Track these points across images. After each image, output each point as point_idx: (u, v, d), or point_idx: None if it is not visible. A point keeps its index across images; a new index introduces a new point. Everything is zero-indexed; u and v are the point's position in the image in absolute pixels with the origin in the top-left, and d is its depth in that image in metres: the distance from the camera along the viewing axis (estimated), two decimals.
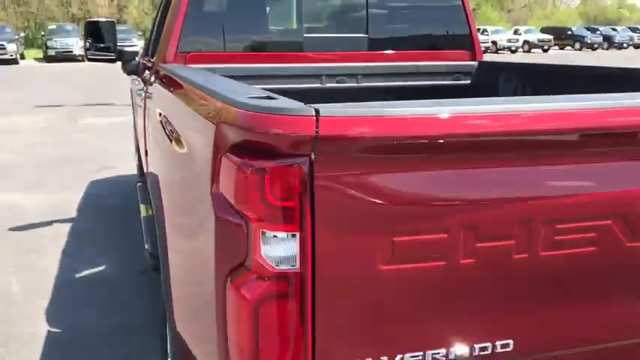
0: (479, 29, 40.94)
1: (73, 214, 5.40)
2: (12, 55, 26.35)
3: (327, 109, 1.08)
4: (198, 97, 1.54)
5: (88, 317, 3.46)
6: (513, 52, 38.38)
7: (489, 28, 40.41)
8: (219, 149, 1.20)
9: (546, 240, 1.22)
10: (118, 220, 5.11)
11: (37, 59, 30.37)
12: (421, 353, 1.21)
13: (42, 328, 3.36)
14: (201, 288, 1.34)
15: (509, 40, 38.72)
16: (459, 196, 1.19)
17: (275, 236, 1.13)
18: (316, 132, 1.06)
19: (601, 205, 1.25)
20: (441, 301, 1.22)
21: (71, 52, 28.04)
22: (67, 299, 3.72)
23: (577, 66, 3.02)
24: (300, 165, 1.10)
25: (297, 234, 1.12)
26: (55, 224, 5.11)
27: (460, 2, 3.39)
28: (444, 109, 1.17)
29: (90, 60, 3.83)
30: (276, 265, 1.14)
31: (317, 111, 1.07)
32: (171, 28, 3.00)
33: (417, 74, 3.32)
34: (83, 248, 4.55)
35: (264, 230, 1.13)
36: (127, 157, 6.92)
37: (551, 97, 1.36)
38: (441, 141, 1.15)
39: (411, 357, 1.20)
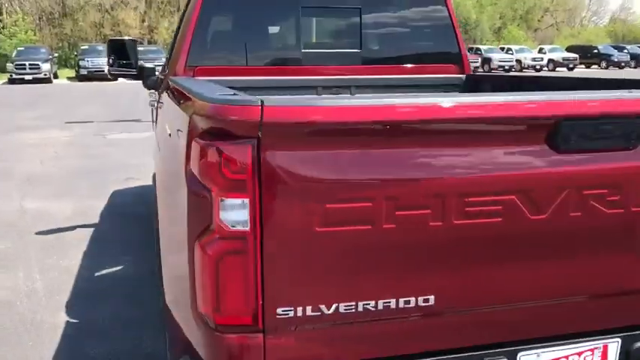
0: (503, 48, 40.95)
1: (97, 220, 5.74)
2: (46, 75, 27.28)
3: (270, 100, 1.34)
4: (181, 96, 1.82)
5: (103, 310, 3.76)
6: (538, 70, 38.27)
7: (514, 47, 40.34)
8: (192, 135, 1.47)
9: (458, 210, 1.45)
10: (138, 227, 5.42)
11: (70, 78, 31.31)
12: (353, 304, 1.45)
13: (61, 319, 3.66)
14: (180, 256, 1.59)
15: (533, 59, 38.61)
16: (380, 172, 1.43)
17: (231, 203, 1.38)
18: (261, 118, 1.32)
19: (505, 183, 1.48)
20: (369, 260, 1.45)
21: (102, 71, 28.83)
22: (85, 295, 4.02)
23: (564, 77, 3.23)
24: (249, 145, 1.35)
25: (248, 200, 1.37)
26: (79, 229, 5.45)
27: (449, 21, 3.64)
28: (360, 102, 1.44)
29: (112, 75, 4.17)
30: (232, 227, 1.39)
31: (262, 101, 1.33)
32: (182, 44, 3.32)
33: (408, 86, 3.56)
34: (104, 251, 4.86)
35: (222, 198, 1.38)
36: (149, 169, 7.27)
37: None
38: (360, 126, 1.41)
39: (345, 306, 1.44)
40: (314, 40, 3.63)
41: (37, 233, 5.31)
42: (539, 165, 1.50)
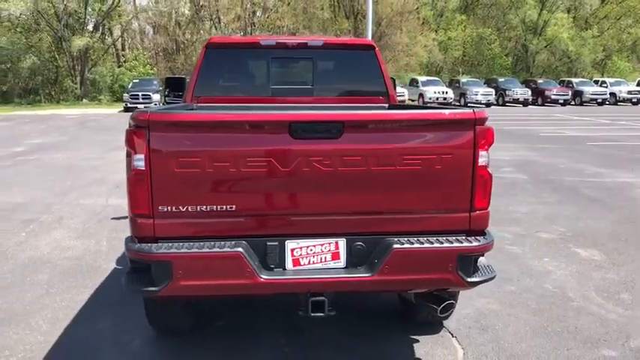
0: (597, 81, 40.25)
1: None
2: (156, 104, 30.76)
3: (153, 109, 2.96)
4: None
5: None
6: (635, 104, 37.43)
7: (609, 80, 39.56)
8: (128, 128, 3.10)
9: (244, 163, 2.93)
10: None
11: None
12: (194, 206, 2.96)
13: (111, 266, 5.45)
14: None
15: (629, 92, 37.80)
16: (206, 145, 2.94)
17: (137, 157, 2.95)
18: (149, 118, 2.92)
19: (268, 152, 2.94)
20: (201, 185, 2.95)
21: None
22: None
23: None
24: (144, 130, 2.94)
25: (143, 155, 2.96)
26: None
27: (378, 68, 5.09)
28: (193, 112, 3.03)
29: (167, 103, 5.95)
30: (138, 167, 2.97)
31: (150, 109, 2.94)
32: (191, 83, 5.05)
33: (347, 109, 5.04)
34: None
35: (135, 155, 2.96)
36: None
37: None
38: (193, 123, 2.98)
39: (191, 207, 2.95)
40: (280, 80, 5.20)
41: (112, 219, 7.22)
42: (285, 144, 2.98)
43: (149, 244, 2.99)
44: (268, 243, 3.07)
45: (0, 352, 3.78)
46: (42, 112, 29.04)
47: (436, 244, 3.06)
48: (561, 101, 36.09)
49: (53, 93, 38.15)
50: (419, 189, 3.10)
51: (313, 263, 3.11)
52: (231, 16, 43.98)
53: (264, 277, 2.99)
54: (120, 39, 46.28)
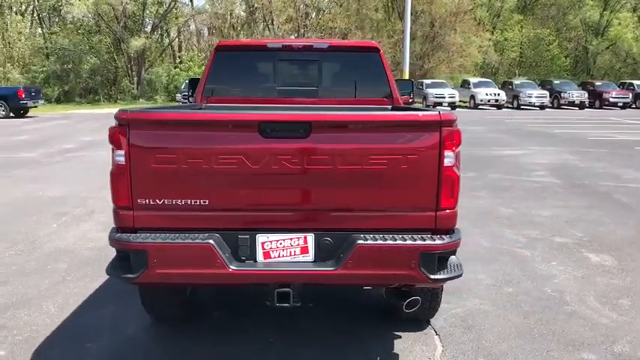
0: None
1: None
2: None
3: (134, 110, 3.17)
4: None
5: None
6: None
7: None
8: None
9: (216, 160, 3.10)
10: None
11: None
12: (170, 199, 3.14)
13: None
14: None
15: None
16: (180, 142, 3.15)
17: (118, 153, 3.17)
18: (129, 117, 3.13)
19: (239, 150, 3.10)
20: (177, 180, 3.13)
21: None
22: None
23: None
24: (125, 127, 3.15)
25: (124, 152, 3.17)
26: None
27: (383, 70, 5.19)
28: (168, 111, 3.23)
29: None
30: (119, 162, 3.18)
31: (128, 110, 3.16)
32: (200, 84, 5.28)
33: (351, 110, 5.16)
34: None
35: (117, 151, 3.18)
36: None
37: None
38: (167, 122, 3.18)
39: (167, 200, 3.15)
40: (286, 81, 5.36)
41: None
42: (254, 142, 3.13)
43: (128, 234, 3.21)
44: (239, 236, 3.24)
45: (8, 332, 4.09)
46: (99, 111, 30.25)
47: (399, 241, 3.16)
48: (620, 104, 34.93)
49: (112, 93, 39.67)
50: (385, 188, 3.20)
51: (283, 256, 3.26)
52: (284, 18, 44.51)
53: (233, 267, 3.16)
54: (176, 40, 47.60)
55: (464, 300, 4.69)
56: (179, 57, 45.45)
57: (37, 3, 41.65)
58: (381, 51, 5.27)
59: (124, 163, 3.18)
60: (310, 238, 3.25)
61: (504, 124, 22.74)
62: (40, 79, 38.14)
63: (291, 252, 3.27)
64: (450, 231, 3.30)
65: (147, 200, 3.21)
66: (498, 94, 34.48)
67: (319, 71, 5.31)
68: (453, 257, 3.42)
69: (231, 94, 5.29)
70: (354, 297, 4.73)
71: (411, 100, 7.15)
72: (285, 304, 3.25)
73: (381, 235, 3.19)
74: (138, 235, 3.20)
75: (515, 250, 6.02)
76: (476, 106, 34.29)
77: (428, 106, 34.16)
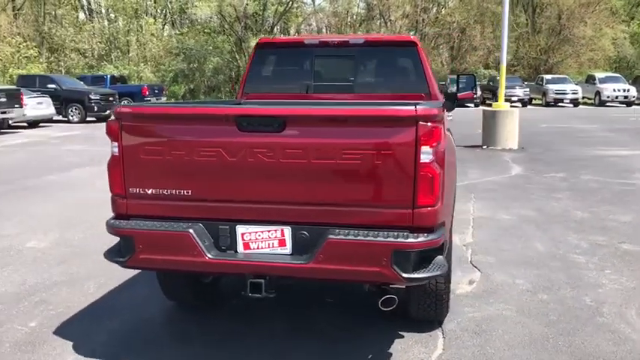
0: None
1: None
2: None
3: (124, 105, 3.38)
4: None
5: None
6: None
7: None
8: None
9: (197, 152, 3.21)
10: None
11: None
12: (158, 189, 3.28)
13: None
14: None
15: None
16: (167, 135, 3.29)
17: (114, 144, 3.40)
18: (121, 111, 3.35)
19: (218, 142, 3.19)
20: (164, 170, 3.26)
21: None
22: None
23: None
24: (118, 121, 3.37)
25: (118, 143, 3.39)
26: None
27: (419, 62, 5.07)
28: (156, 104, 3.36)
29: None
30: (114, 153, 3.40)
31: (123, 105, 3.36)
32: (242, 81, 5.47)
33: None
34: None
35: (112, 143, 3.40)
36: None
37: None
38: (156, 116, 3.34)
39: (154, 189, 3.30)
40: (322, 77, 5.38)
41: None
42: (232, 136, 3.21)
43: (120, 221, 3.45)
44: (220, 226, 3.36)
45: (46, 306, 4.51)
46: None
47: (370, 238, 3.12)
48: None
49: (233, 91, 41.43)
50: (360, 183, 3.17)
51: (262, 248, 3.34)
52: (399, 14, 44.20)
53: (210, 256, 3.28)
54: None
55: (489, 304, 4.49)
56: None
57: (169, 6, 44.49)
58: (419, 45, 5.14)
59: (117, 154, 3.41)
60: (287, 231, 3.30)
61: (625, 123, 21.06)
62: (170, 77, 40.71)
63: (269, 244, 3.33)
64: (429, 229, 3.19)
65: (137, 189, 3.42)
66: (627, 90, 31.95)
67: (355, 67, 5.29)
68: (439, 257, 3.32)
69: (270, 91, 5.41)
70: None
71: (474, 96, 6.95)
72: (257, 295, 3.32)
73: (354, 231, 3.17)
74: (126, 221, 3.42)
75: (569, 256, 5.64)
76: (601, 103, 32.02)
77: (548, 102, 32.46)
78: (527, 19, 47.49)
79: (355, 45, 5.24)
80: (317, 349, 3.84)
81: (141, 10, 42.79)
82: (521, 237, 6.34)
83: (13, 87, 20.72)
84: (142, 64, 41.39)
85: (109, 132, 3.44)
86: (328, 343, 3.92)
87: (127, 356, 3.73)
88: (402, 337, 3.98)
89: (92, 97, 22.26)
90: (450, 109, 6.93)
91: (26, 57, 38.28)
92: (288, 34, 48.68)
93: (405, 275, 3.11)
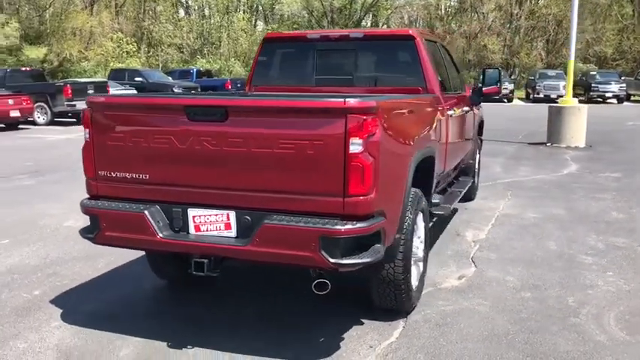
0: None
1: None
2: None
3: (95, 95, 3.69)
4: None
5: None
6: None
7: None
8: None
9: (155, 140, 3.46)
10: None
11: None
12: (124, 173, 3.59)
13: None
14: None
15: None
16: (134, 125, 3.56)
17: (86, 131, 3.72)
18: (91, 100, 3.68)
19: (170, 131, 3.43)
20: (131, 157, 3.52)
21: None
22: None
23: None
24: (89, 110, 3.69)
25: (88, 130, 3.71)
26: None
27: (416, 56, 5.08)
28: (128, 94, 3.64)
29: None
30: (86, 138, 3.72)
31: (98, 95, 3.69)
32: (250, 72, 5.72)
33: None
34: None
35: (85, 130, 3.73)
36: None
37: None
38: (125, 105, 3.65)
39: (120, 173, 3.60)
40: (323, 71, 5.49)
41: None
42: (182, 124, 3.43)
43: (90, 201, 3.80)
44: (174, 209, 3.62)
45: (55, 278, 4.99)
46: None
47: (301, 223, 3.27)
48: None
49: None
50: (295, 172, 3.33)
51: (211, 230, 3.57)
52: (492, 6, 42.93)
53: (161, 236, 3.56)
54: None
55: (466, 299, 4.49)
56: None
57: (259, 2, 45.72)
58: (418, 39, 5.15)
59: (89, 139, 3.76)
60: (232, 215, 3.51)
61: None
62: None
63: (217, 227, 3.56)
64: (362, 217, 3.29)
65: (105, 172, 3.75)
66: None
67: (354, 60, 5.39)
68: (377, 245, 3.41)
69: (276, 83, 5.63)
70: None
71: (499, 91, 6.84)
72: (200, 273, 3.56)
73: (288, 217, 3.33)
74: (94, 202, 3.77)
75: (578, 256, 5.47)
76: None
77: (590, 98, 30.24)
78: (633, 10, 44.72)
79: (355, 39, 5.34)
80: (276, 336, 4.02)
81: (232, 6, 44.22)
82: (538, 235, 6.19)
83: (102, 79, 22.20)
84: (233, 58, 42.84)
85: (83, 120, 3.79)
86: (289, 329, 4.09)
87: (101, 325, 4.07)
88: (362, 324, 4.08)
89: (175, 90, 23.41)
90: (476, 104, 6.89)
91: (126, 52, 40.68)
92: (378, 27, 48.59)
93: (332, 260, 3.24)
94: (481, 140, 8.29)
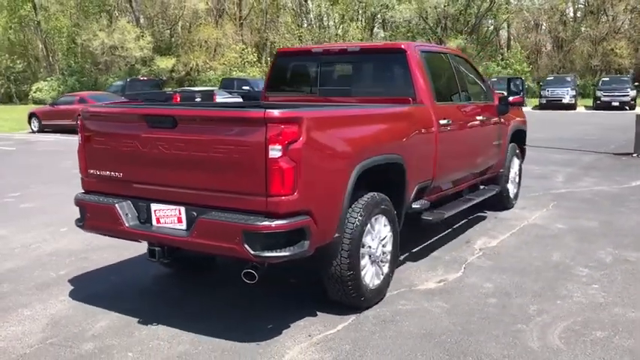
0: None
1: None
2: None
3: (89, 107, 4.36)
4: None
5: None
6: None
7: None
8: None
9: (136, 146, 4.02)
10: None
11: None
12: (110, 172, 4.20)
13: None
14: None
15: None
16: (117, 130, 4.17)
17: (79, 135, 4.40)
18: (81, 109, 4.36)
19: (135, 137, 4.00)
20: (113, 159, 4.14)
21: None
22: None
23: None
24: (80, 119, 4.37)
25: (81, 135, 4.37)
26: None
27: (406, 68, 5.29)
28: (115, 106, 4.30)
29: None
30: (79, 142, 4.41)
31: (86, 106, 4.36)
32: (265, 84, 6.24)
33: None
34: None
35: (78, 135, 4.42)
36: None
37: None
38: (111, 115, 4.29)
39: (105, 172, 4.24)
40: (326, 82, 5.83)
41: None
42: (144, 131, 3.99)
43: (80, 195, 4.50)
44: (139, 203, 4.22)
45: (82, 262, 5.80)
46: None
47: (228, 219, 3.72)
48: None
49: None
50: (227, 173, 3.79)
51: (167, 223, 4.12)
52: (622, 7, 40.32)
53: (127, 226, 4.17)
54: (504, 37, 47.26)
55: (430, 301, 4.68)
56: (500, 54, 44.92)
57: (374, 10, 46.17)
58: (409, 52, 5.38)
59: (81, 143, 4.47)
60: (183, 210, 4.04)
61: None
62: None
63: (172, 220, 4.11)
64: (283, 215, 3.68)
65: (93, 171, 4.44)
66: None
67: (352, 72, 5.74)
68: (303, 242, 3.78)
69: (286, 94, 6.11)
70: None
71: (523, 100, 6.85)
72: (153, 259, 4.13)
73: (219, 213, 3.81)
74: (82, 195, 4.46)
75: (574, 268, 5.41)
76: None
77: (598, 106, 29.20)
78: None
79: (352, 52, 5.68)
80: (235, 322, 4.48)
81: (347, 16, 45.13)
82: (549, 246, 6.13)
83: (210, 88, 23.82)
84: None
85: (78, 126, 4.50)
86: (252, 317, 4.53)
87: (97, 302, 4.75)
88: (316, 316, 4.42)
89: None
90: (503, 113, 6.96)
91: (247, 61, 42.96)
92: (496, 34, 47.33)
93: (253, 253, 3.66)
94: (522, 149, 8.21)
